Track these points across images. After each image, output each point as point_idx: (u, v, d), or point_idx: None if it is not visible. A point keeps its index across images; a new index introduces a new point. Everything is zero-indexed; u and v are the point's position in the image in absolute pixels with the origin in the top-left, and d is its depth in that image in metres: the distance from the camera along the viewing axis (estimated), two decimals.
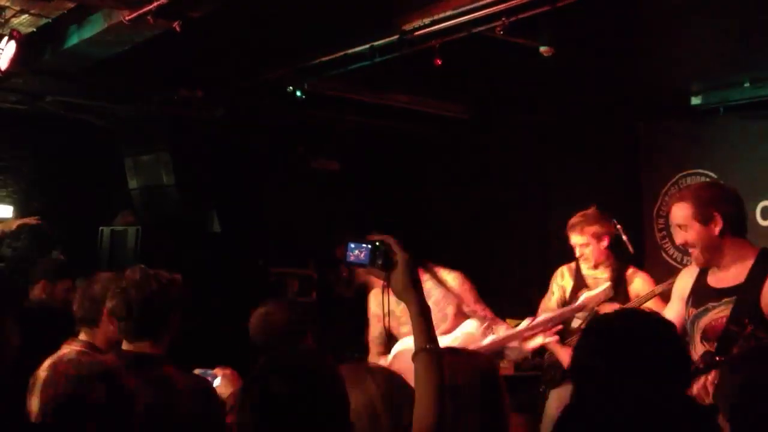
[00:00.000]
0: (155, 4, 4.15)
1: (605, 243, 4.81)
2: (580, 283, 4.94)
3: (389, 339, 4.19)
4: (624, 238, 5.12)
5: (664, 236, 7.04)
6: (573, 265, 5.02)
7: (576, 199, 6.98)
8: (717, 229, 3.22)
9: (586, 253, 4.81)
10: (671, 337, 1.92)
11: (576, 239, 4.82)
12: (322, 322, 7.08)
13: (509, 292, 6.54)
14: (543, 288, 5.20)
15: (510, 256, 7.29)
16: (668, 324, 2.01)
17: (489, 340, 4.13)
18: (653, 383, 1.81)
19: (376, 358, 4.29)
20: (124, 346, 2.82)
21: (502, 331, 4.20)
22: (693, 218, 3.24)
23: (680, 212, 3.29)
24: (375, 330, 4.43)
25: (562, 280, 5.03)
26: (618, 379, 1.83)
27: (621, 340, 1.89)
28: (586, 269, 4.88)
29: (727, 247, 3.24)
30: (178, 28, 4.30)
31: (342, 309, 7.05)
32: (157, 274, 2.86)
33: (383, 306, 2.20)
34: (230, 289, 6.23)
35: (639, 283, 4.76)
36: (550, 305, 4.97)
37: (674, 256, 6.85)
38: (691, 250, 3.33)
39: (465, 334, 4.17)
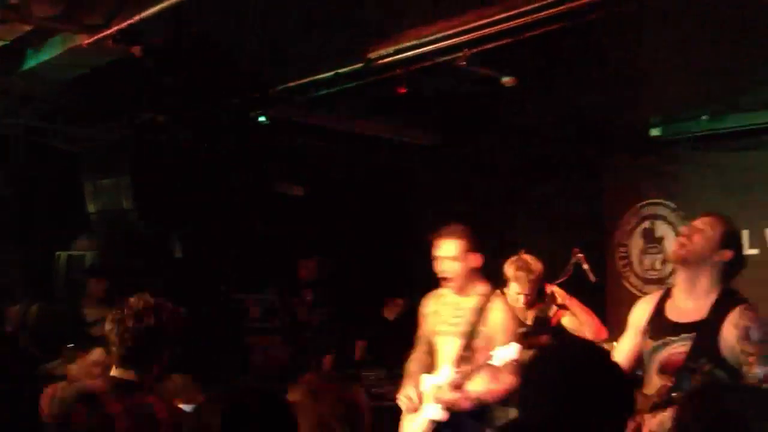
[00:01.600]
0: (114, 29, 4.13)
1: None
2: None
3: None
4: (585, 266, 5.16)
5: (626, 265, 7.10)
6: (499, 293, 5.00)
7: (540, 228, 7.05)
8: (718, 258, 3.27)
9: (522, 301, 4.85)
10: (616, 375, 1.93)
11: (518, 289, 4.83)
12: (287, 347, 7.04)
13: None
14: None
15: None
16: (613, 363, 2.02)
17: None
18: (596, 420, 1.82)
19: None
20: (112, 371, 2.85)
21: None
22: (717, 233, 3.28)
23: (714, 222, 3.32)
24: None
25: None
26: (561, 414, 1.83)
27: (567, 374, 1.90)
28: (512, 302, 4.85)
29: (708, 279, 3.28)
30: (138, 54, 4.27)
31: (306, 333, 7.01)
32: (159, 307, 2.86)
33: None
34: (192, 315, 6.14)
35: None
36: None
37: (635, 285, 6.92)
38: (681, 246, 3.33)
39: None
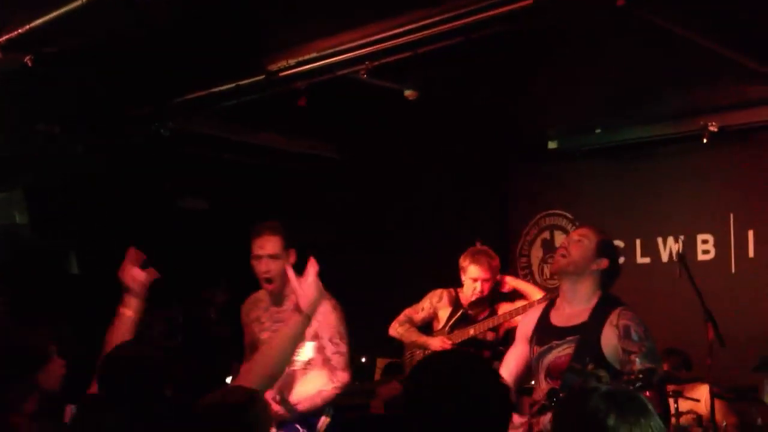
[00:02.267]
0: (4, 37, 3.98)
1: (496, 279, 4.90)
2: (457, 312, 4.98)
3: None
4: None
5: (527, 274, 7.26)
6: (452, 292, 5.06)
7: (445, 239, 7.14)
8: (596, 267, 3.43)
9: (479, 288, 4.85)
10: (494, 383, 1.98)
11: (478, 272, 4.84)
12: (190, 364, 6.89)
13: (378, 329, 6.56)
14: None
15: (380, 294, 7.32)
16: (493, 371, 2.09)
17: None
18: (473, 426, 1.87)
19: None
20: None
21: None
22: (595, 242, 3.46)
23: (589, 233, 3.51)
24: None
25: (438, 302, 5.06)
26: (438, 418, 1.88)
27: (444, 383, 1.94)
28: (466, 300, 4.90)
29: (588, 287, 3.43)
30: (30, 63, 4.13)
31: (216, 348, 6.88)
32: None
33: None
34: (90, 333, 5.95)
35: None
36: (414, 317, 5.02)
37: None
38: (559, 257, 3.51)
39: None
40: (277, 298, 4.02)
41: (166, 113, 5.90)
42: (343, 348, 3.93)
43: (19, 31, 4.02)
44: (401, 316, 5.14)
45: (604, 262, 3.44)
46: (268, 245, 3.90)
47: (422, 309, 5.14)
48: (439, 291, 5.14)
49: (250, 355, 4.12)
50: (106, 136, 6.26)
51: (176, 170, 7.11)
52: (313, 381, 3.90)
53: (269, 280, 3.94)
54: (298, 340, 2.83)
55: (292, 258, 3.91)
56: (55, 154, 6.16)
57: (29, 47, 4.16)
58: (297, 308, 2.82)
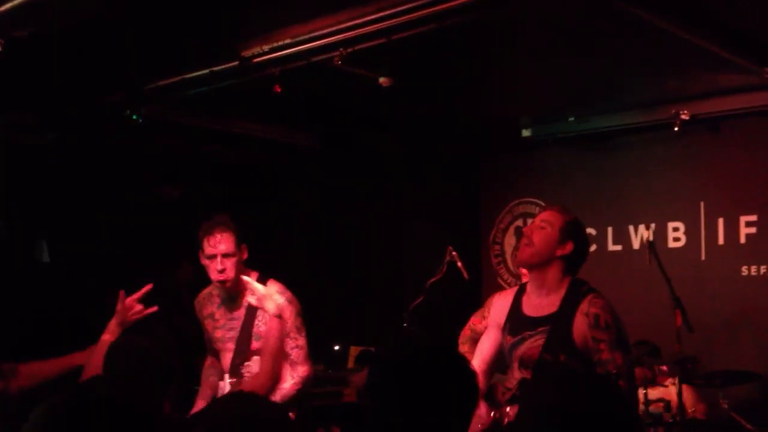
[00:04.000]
0: None
1: None
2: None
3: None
4: (459, 264, 5.27)
5: (500, 262, 7.31)
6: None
7: (418, 227, 7.16)
8: (560, 252, 3.34)
9: None
10: (461, 370, 1.99)
11: None
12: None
13: (360, 317, 6.59)
14: (396, 313, 5.22)
15: (353, 282, 7.33)
16: (461, 359, 2.08)
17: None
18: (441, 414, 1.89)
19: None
20: None
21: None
22: (557, 227, 3.35)
23: (553, 217, 3.39)
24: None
25: None
26: (404, 408, 1.89)
27: (410, 370, 1.95)
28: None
29: (555, 274, 3.36)
30: (0, 49, 4.07)
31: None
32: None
33: None
34: (64, 322, 5.92)
35: None
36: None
37: (509, 281, 7.13)
38: (523, 246, 3.41)
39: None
40: (232, 297, 3.94)
41: (139, 100, 5.85)
42: (302, 341, 3.86)
43: None
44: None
45: (568, 246, 3.34)
46: (221, 243, 3.79)
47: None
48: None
49: (211, 351, 4.09)
50: (80, 124, 6.20)
51: (149, 157, 7.07)
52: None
53: (224, 281, 3.84)
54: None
55: (245, 254, 3.85)
56: (26, 142, 6.09)
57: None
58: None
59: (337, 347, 6.65)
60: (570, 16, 4.36)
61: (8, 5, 3.92)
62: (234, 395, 2.28)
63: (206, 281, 4.07)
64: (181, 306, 7.01)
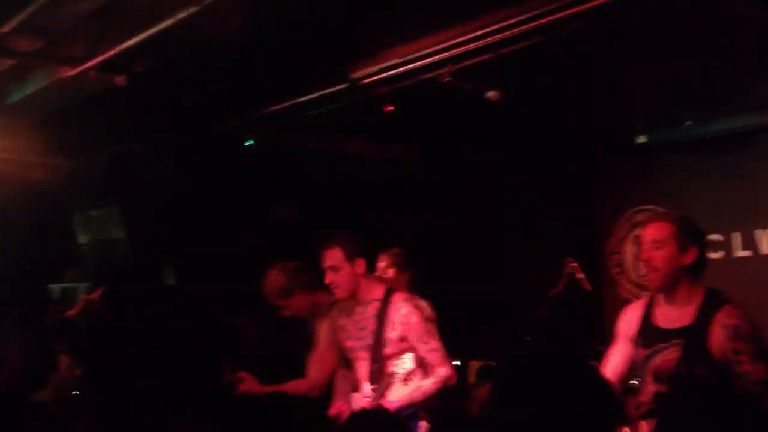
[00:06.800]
0: (97, 59, 4.12)
1: None
2: None
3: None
4: (580, 276, 5.16)
5: (620, 272, 7.11)
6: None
7: (532, 239, 7.06)
8: (687, 260, 3.22)
9: None
10: (600, 386, 1.92)
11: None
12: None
13: (477, 331, 6.54)
14: (506, 329, 5.18)
15: (472, 296, 7.30)
16: (598, 374, 2.02)
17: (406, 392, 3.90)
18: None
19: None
20: None
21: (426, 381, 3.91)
22: (672, 239, 3.23)
23: (662, 230, 3.27)
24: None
25: None
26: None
27: (545, 388, 1.90)
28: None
29: (685, 283, 3.25)
30: (122, 83, 4.27)
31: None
32: None
33: None
34: (187, 342, 6.13)
35: None
36: None
37: (631, 291, 6.93)
38: (650, 272, 3.29)
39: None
40: (360, 307, 4.05)
41: (253, 125, 6.02)
42: (435, 344, 3.91)
43: (112, 52, 4.16)
44: None
45: (691, 254, 3.21)
46: (328, 258, 3.99)
47: None
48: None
49: (343, 361, 4.18)
50: (196, 152, 6.43)
51: (265, 180, 7.25)
52: (413, 386, 3.90)
53: (336, 290, 4.02)
54: None
55: (360, 267, 3.97)
56: (148, 169, 6.36)
57: (121, 68, 4.29)
58: None
59: (456, 362, 6.62)
60: (681, 18, 4.21)
61: (130, 42, 4.10)
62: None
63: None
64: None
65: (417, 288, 5.04)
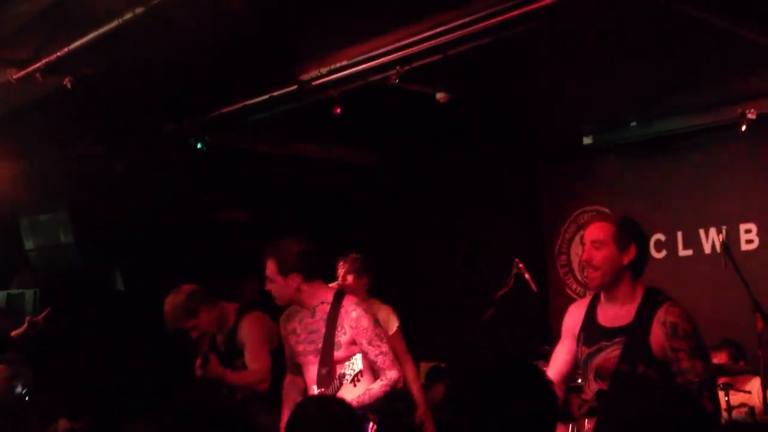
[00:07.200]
0: (43, 61, 4.07)
1: None
2: None
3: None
4: (527, 276, 5.23)
5: (567, 272, 7.22)
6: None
7: (480, 240, 7.13)
8: (627, 259, 3.26)
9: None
10: (542, 386, 1.97)
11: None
12: None
13: (426, 333, 6.57)
14: (454, 330, 5.21)
15: (421, 297, 7.34)
16: (542, 374, 2.06)
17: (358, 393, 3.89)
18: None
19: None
20: None
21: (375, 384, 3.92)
22: (612, 239, 3.27)
23: (601, 230, 3.30)
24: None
25: None
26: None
27: (490, 385, 1.94)
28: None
29: (625, 282, 3.29)
30: (69, 85, 4.22)
31: None
32: None
33: None
34: (137, 347, 6.07)
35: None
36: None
37: (578, 291, 7.04)
38: (590, 272, 3.33)
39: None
40: (309, 311, 4.04)
41: (202, 128, 5.98)
42: (384, 347, 3.91)
43: (58, 54, 4.11)
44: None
45: (631, 252, 3.25)
46: (265, 267, 4.00)
47: None
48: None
49: (292, 367, 4.18)
50: (145, 153, 6.37)
51: (214, 183, 7.21)
52: (362, 388, 3.90)
53: (274, 299, 4.06)
54: None
55: (294, 281, 3.92)
56: (96, 173, 6.28)
57: (67, 70, 4.24)
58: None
59: None
60: (627, 20, 4.30)
61: (76, 44, 4.06)
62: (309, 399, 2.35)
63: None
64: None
65: (375, 292, 5.08)
